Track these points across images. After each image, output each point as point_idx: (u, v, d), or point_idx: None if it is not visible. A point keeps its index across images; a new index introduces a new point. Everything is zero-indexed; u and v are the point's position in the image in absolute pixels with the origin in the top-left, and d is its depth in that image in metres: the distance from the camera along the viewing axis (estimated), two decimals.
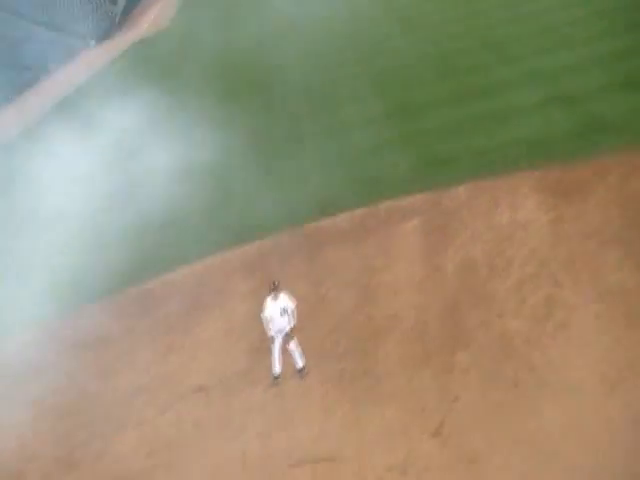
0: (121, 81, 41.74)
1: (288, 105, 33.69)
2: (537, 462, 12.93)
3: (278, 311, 16.17)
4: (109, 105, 35.44)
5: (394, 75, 32.65)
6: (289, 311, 16.27)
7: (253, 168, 27.83)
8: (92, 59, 55.09)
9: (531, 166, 21.82)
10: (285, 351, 16.72)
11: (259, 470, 14.93)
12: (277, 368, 16.83)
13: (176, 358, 19.14)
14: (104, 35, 61.00)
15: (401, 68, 33.11)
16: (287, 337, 16.60)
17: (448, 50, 33.27)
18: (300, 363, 16.82)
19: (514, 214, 20.07)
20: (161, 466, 15.84)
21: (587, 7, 32.01)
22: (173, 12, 62.74)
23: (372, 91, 31.66)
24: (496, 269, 17.99)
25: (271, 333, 16.43)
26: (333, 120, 30.30)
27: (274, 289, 16.23)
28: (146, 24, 62.18)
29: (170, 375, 18.53)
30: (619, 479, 12.03)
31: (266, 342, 17.54)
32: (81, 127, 33.56)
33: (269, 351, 16.92)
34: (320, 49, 38.84)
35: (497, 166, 22.51)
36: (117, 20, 63.71)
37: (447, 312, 17.31)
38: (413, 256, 19.55)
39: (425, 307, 17.34)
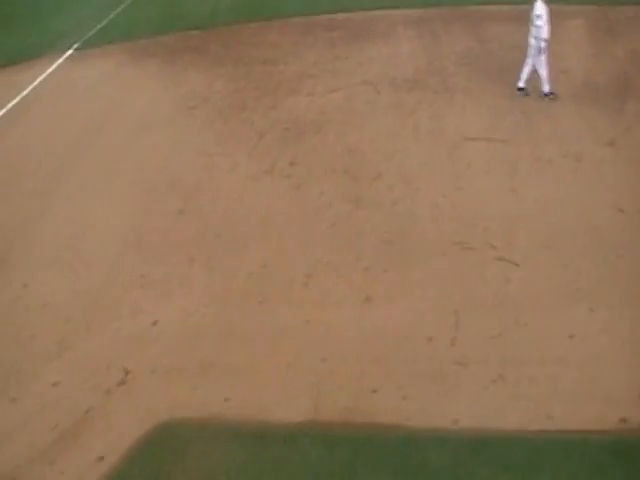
0: None
1: None
2: None
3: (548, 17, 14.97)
4: None
5: None
6: (543, 19, 15.23)
7: None
8: None
9: None
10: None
11: (433, 139, 14.97)
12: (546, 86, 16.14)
13: (343, 64, 18.92)
14: None
15: None
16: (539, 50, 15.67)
17: None
18: (546, 87, 16.36)
19: None
20: (333, 121, 15.92)
21: None
22: None
23: None
24: None
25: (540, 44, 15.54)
26: None
27: None
28: None
29: (338, 71, 18.28)
30: None
31: (434, 65, 18.50)
32: None
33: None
34: None
35: None
36: None
37: (617, 78, 17.39)
38: (580, 41, 19.41)
39: (596, 71, 17.13)
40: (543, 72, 16.14)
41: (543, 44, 15.78)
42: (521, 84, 16.40)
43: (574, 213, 12.28)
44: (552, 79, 16.48)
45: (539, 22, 15.68)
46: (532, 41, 16.00)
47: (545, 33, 15.65)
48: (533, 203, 12.26)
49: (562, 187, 13.03)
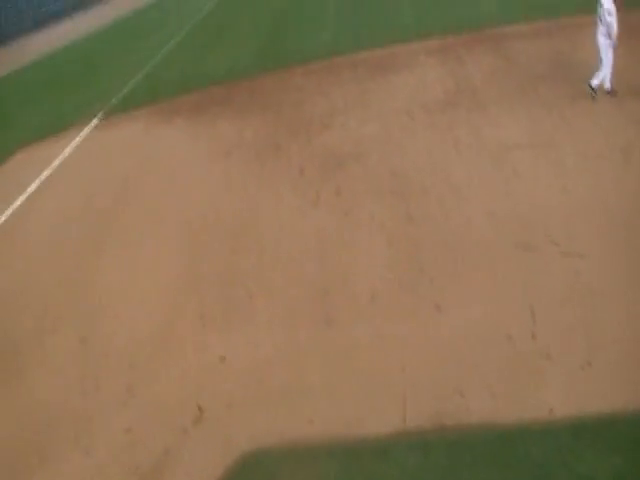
0: None
1: None
2: None
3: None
4: None
5: None
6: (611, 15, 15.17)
7: None
8: None
9: None
10: None
11: (475, 151, 15.12)
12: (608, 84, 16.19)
13: (371, 96, 19.23)
14: None
15: None
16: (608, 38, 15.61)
17: None
18: (598, 81, 16.26)
19: None
20: (372, 149, 16.27)
21: None
22: None
23: None
24: None
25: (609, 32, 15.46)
26: None
27: None
28: None
29: (368, 103, 18.49)
30: None
31: (462, 85, 18.70)
32: None
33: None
34: None
35: None
36: None
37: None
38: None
39: (628, 68, 16.97)
40: (606, 67, 16.17)
41: (611, 34, 15.78)
42: (607, 85, 16.48)
43: (630, 201, 12.15)
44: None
45: (609, 18, 15.66)
46: (601, 39, 16.04)
47: (612, 22, 15.58)
48: (587, 198, 12.20)
49: (613, 179, 12.90)
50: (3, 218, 16.54)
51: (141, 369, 10.38)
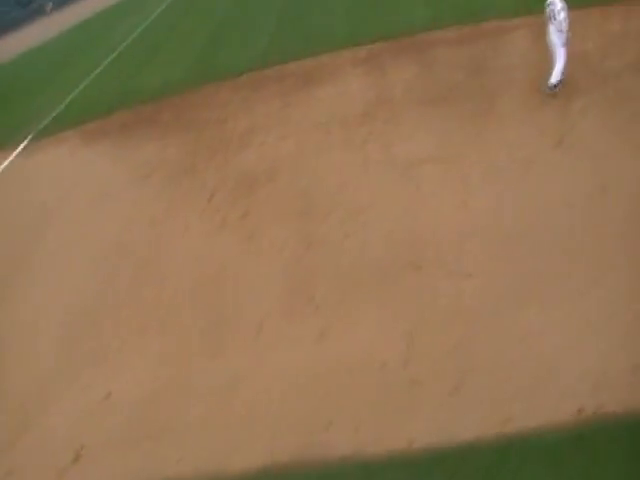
0: None
1: None
2: None
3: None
4: None
5: None
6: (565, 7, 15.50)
7: None
8: None
9: None
10: None
11: (383, 168, 15.38)
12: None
13: (292, 110, 19.31)
14: None
15: None
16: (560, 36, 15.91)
17: None
18: (553, 78, 16.43)
19: (627, 23, 19.58)
20: (285, 168, 16.35)
21: None
22: None
23: None
24: (610, 54, 17.94)
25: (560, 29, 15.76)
26: None
27: None
28: None
29: (288, 118, 18.58)
30: None
31: (382, 96, 18.87)
32: None
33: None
34: None
35: None
36: None
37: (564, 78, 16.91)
38: (522, 50, 19.58)
39: (539, 78, 17.26)
40: (559, 64, 16.47)
41: (563, 32, 16.10)
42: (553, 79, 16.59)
43: (526, 216, 12.45)
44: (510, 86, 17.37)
45: (562, 14, 15.97)
46: (554, 37, 16.40)
47: (563, 19, 15.96)
48: (484, 213, 12.41)
49: (513, 193, 13.22)
50: None
51: (31, 408, 10.51)
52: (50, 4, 61.91)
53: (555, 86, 16.43)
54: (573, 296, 10.33)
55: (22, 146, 21.67)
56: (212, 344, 10.85)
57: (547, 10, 16.36)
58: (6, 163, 20.65)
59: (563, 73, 16.49)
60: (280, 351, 10.34)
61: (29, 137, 22.31)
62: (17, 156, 21.21)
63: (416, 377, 9.33)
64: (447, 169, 14.46)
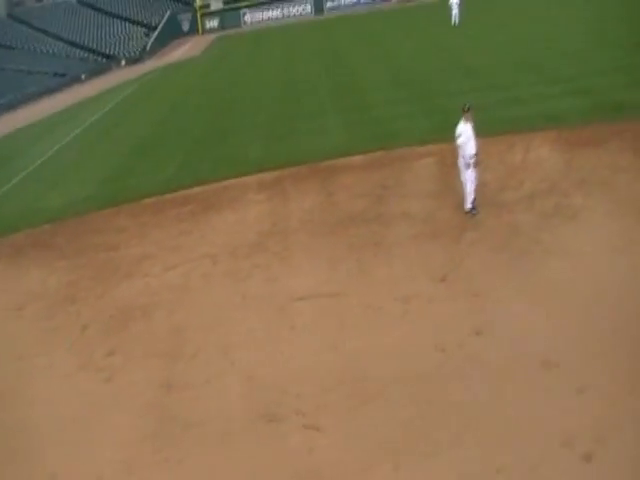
0: None
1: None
2: (539, 299, 13.35)
3: (470, 134, 15.93)
4: None
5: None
6: (472, 137, 16.12)
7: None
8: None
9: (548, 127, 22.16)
10: None
11: (261, 304, 14.87)
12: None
13: (186, 238, 18.98)
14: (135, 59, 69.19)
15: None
16: (467, 165, 16.41)
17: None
18: (468, 203, 17.03)
19: (528, 154, 20.14)
20: (164, 302, 15.63)
21: None
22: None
23: None
24: (508, 187, 18.26)
25: (467, 160, 16.26)
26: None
27: (466, 111, 16.24)
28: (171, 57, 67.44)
29: (179, 247, 18.28)
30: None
31: (278, 225, 18.95)
32: None
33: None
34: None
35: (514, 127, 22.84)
36: (147, 48, 72.36)
37: (457, 209, 17.46)
38: (426, 177, 19.68)
39: (438, 207, 17.34)
40: (469, 188, 16.91)
41: (470, 160, 16.54)
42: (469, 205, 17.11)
43: (394, 361, 12.22)
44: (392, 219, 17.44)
45: (459, 141, 16.67)
46: (460, 160, 16.81)
47: (471, 149, 16.55)
48: (353, 357, 12.11)
49: (387, 334, 13.00)
50: None
51: None
52: None
53: (472, 209, 16.95)
54: (427, 451, 10.08)
55: None
56: None
57: (457, 141, 16.82)
58: None
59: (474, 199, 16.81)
60: None
61: None
62: None
63: None
64: (325, 308, 14.14)
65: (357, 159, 22.53)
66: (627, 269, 13.08)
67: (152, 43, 71.45)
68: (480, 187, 17.68)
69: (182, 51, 70.21)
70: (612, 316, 12.00)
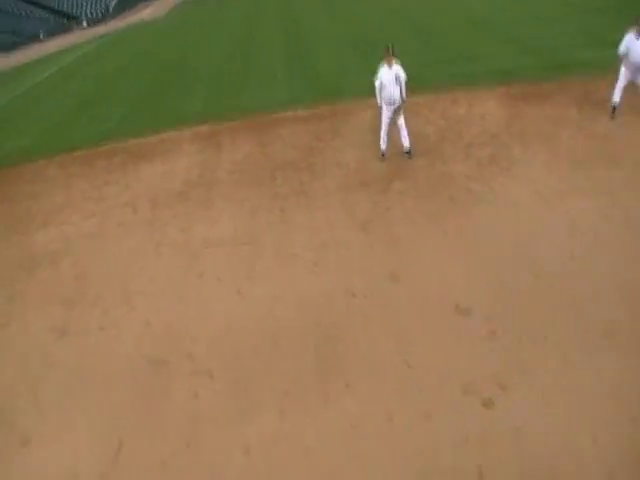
0: None
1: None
2: (459, 248, 12.75)
3: (392, 79, 15.54)
4: None
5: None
6: (402, 81, 15.70)
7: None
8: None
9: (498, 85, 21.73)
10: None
11: (173, 252, 14.28)
12: (384, 145, 16.88)
13: (110, 188, 18.18)
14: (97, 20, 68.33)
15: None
16: (398, 111, 16.29)
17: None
18: (406, 144, 16.67)
19: (472, 109, 19.41)
20: (75, 250, 15.40)
21: None
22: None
23: None
24: (446, 138, 17.53)
25: (380, 103, 16.03)
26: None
27: (389, 55, 15.39)
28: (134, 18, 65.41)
29: (102, 197, 17.51)
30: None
31: (205, 175, 18.21)
32: None
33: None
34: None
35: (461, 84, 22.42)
36: (110, 10, 71.26)
37: (390, 159, 16.97)
38: (364, 129, 19.05)
39: (371, 158, 16.66)
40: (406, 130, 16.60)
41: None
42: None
43: (299, 307, 11.73)
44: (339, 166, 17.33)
45: (376, 83, 16.16)
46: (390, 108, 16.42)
47: (405, 93, 16.30)
48: (257, 303, 11.40)
49: (297, 281, 12.50)
50: None
51: None
52: None
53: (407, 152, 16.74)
54: (315, 407, 9.54)
55: None
56: None
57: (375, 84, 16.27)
58: None
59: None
60: None
61: None
62: None
63: None
64: (238, 255, 13.73)
65: (300, 113, 21.50)
66: (554, 220, 12.39)
67: (115, 5, 69.28)
68: (418, 139, 17.41)
69: (146, 13, 68.89)
70: (531, 267, 11.55)
